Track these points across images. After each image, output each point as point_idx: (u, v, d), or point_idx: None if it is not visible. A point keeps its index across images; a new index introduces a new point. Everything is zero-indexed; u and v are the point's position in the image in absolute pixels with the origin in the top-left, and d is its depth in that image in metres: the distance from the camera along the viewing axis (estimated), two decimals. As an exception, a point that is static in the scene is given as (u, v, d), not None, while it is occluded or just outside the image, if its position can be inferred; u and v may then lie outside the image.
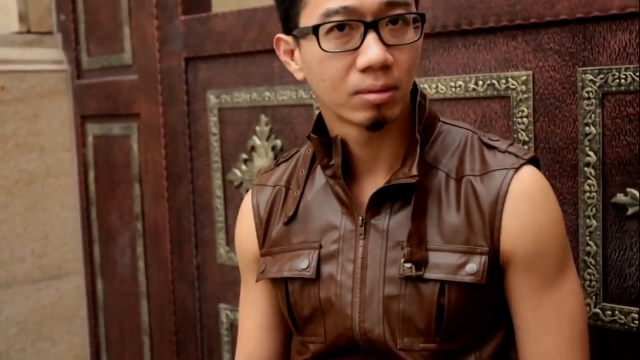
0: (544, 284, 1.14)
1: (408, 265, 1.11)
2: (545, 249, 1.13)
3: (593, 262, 1.50)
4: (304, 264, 1.19)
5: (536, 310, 1.14)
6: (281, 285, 1.22)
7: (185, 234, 2.30)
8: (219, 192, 2.17)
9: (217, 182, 2.18)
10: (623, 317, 1.48)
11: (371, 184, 1.19)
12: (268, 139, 2.04)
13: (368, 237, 1.16)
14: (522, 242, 1.12)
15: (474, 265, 1.10)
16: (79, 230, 2.64)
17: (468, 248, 1.11)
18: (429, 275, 1.11)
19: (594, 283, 1.51)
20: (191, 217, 2.27)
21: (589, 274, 1.51)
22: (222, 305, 2.22)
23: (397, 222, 1.15)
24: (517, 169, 1.13)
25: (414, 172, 1.12)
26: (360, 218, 1.17)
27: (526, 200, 1.12)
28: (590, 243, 1.50)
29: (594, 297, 1.51)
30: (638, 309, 1.46)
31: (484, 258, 1.11)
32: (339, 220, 1.19)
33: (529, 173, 1.14)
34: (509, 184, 1.12)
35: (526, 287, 1.14)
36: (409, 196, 1.15)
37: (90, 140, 2.57)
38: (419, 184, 1.14)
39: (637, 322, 1.46)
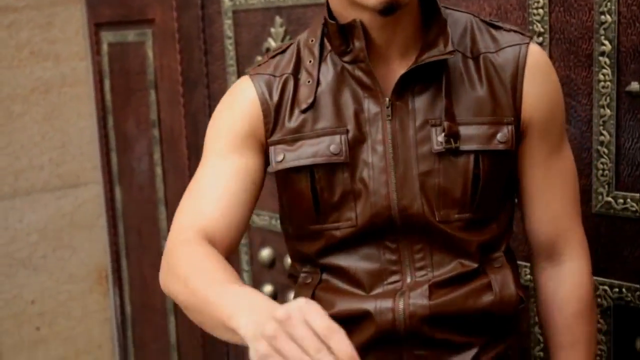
0: (553, 150, 1.26)
1: (445, 138, 1.19)
2: (555, 114, 1.26)
3: (606, 151, 1.55)
4: (334, 149, 1.22)
5: (546, 175, 1.26)
6: (305, 173, 1.24)
7: (202, 138, 2.33)
8: (235, 96, 2.22)
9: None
10: (634, 205, 1.53)
11: (386, 69, 1.23)
12: (283, 40, 2.08)
13: (395, 118, 1.22)
14: (539, 109, 1.23)
15: (503, 134, 1.21)
16: (96, 138, 2.71)
17: (495, 119, 1.21)
18: (465, 147, 1.20)
19: (606, 172, 1.56)
20: (206, 121, 2.29)
21: (601, 163, 1.56)
22: (240, 208, 2.29)
23: (422, 102, 1.22)
24: (527, 44, 1.23)
25: (450, 47, 1.19)
26: (387, 99, 1.22)
27: (539, 71, 1.23)
28: (604, 132, 1.55)
29: (606, 186, 1.56)
30: (649, 196, 1.52)
31: (511, 127, 1.21)
32: (361, 104, 1.23)
33: (537, 48, 1.25)
34: (525, 57, 1.22)
35: (539, 153, 1.26)
36: (431, 77, 1.21)
37: (104, 47, 2.61)
38: (444, 63, 1.21)
39: (648, 208, 1.52)
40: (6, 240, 2.58)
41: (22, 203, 2.59)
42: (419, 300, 1.21)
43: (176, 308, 2.59)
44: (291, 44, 1.33)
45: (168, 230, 2.49)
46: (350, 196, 1.22)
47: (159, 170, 2.53)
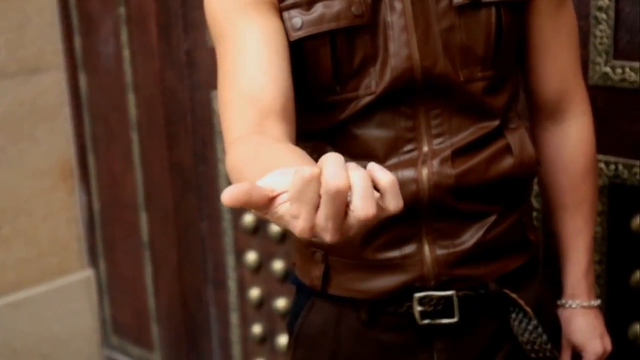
0: (560, 1, 1.33)
1: None
2: None
3: (605, 17, 1.62)
4: (355, 10, 1.22)
5: (554, 27, 1.34)
6: (325, 39, 1.24)
7: (173, 16, 2.40)
8: (208, -33, 2.25)
9: (206, -45, 2.26)
10: (632, 74, 1.61)
11: None
12: None
13: None
14: None
15: None
16: (57, 19, 2.73)
17: None
18: None
19: (604, 39, 1.63)
20: (178, -4, 2.37)
21: (600, 30, 1.63)
22: (215, 92, 2.34)
23: None
24: None
25: None
26: None
27: None
28: (603, -4, 1.62)
29: (604, 55, 1.63)
30: (648, 64, 1.59)
31: None
32: None
33: None
34: None
35: (548, 4, 1.32)
36: None
37: None
38: None
39: (646, 77, 1.60)
40: (-39, 130, 2.63)
41: (-23, 88, 2.62)
42: (443, 169, 1.26)
43: (148, 203, 2.68)
44: None
45: (137, 118, 2.58)
46: (370, 60, 1.24)
47: (126, 53, 2.57)
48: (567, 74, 1.38)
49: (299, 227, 0.77)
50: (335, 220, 0.76)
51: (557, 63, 1.36)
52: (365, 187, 0.76)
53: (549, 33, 1.34)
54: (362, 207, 0.76)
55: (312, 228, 0.77)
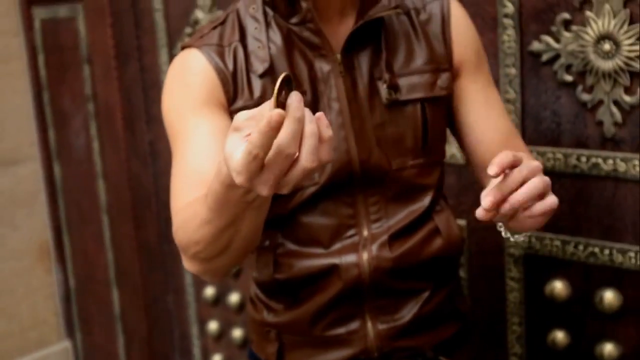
0: (486, 81, 1.38)
1: (387, 91, 1.28)
2: (481, 53, 1.39)
3: (513, 108, 1.68)
4: None
5: (486, 102, 1.37)
6: None
7: (136, 111, 2.44)
8: (166, 68, 2.30)
9: (164, 57, 2.31)
10: (539, 157, 1.66)
11: (328, 29, 1.29)
12: (210, 11, 2.17)
13: (346, 75, 1.29)
14: (469, 51, 1.35)
15: (443, 81, 1.32)
16: (32, 115, 2.77)
17: (434, 67, 1.31)
18: (411, 95, 1.29)
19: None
20: (140, 93, 2.41)
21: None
22: (176, 178, 2.38)
23: (365, 58, 1.30)
24: None
25: (393, 3, 1.30)
26: (337, 56, 1.28)
27: (463, 20, 1.36)
28: (510, 90, 1.67)
29: (513, 141, 1.69)
30: (551, 149, 1.65)
31: (447, 74, 1.33)
32: (312, 65, 1.29)
33: (455, 2, 1.37)
34: (449, 10, 1.34)
35: (475, 85, 1.36)
36: (370, 34, 1.29)
37: (37, 24, 2.67)
38: (381, 19, 1.30)
39: (551, 161, 1.65)
40: (-54, 219, 2.62)
41: (-40, 181, 2.63)
42: (382, 253, 1.29)
43: (119, 279, 2.68)
44: (227, 14, 1.35)
45: (107, 202, 2.60)
46: None
47: (95, 145, 2.60)
48: (510, 136, 1.36)
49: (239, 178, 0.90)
50: (277, 177, 0.90)
51: (498, 128, 1.35)
52: (314, 144, 0.89)
53: (483, 106, 1.35)
54: (309, 160, 0.89)
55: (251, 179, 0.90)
